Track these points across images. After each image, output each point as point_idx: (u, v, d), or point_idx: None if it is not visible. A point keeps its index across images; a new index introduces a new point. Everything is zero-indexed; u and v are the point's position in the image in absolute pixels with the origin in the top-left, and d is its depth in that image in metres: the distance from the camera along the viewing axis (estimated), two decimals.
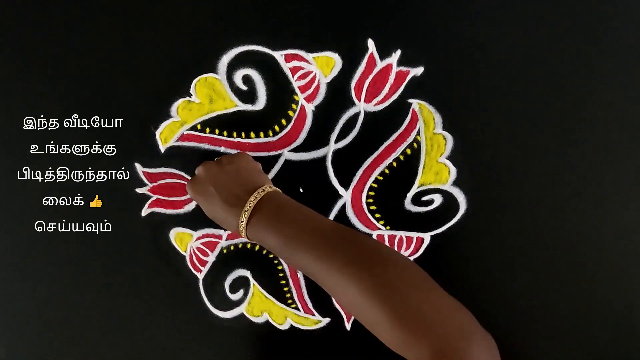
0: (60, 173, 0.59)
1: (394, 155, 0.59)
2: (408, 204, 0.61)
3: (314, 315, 0.63)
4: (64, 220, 0.60)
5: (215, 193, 0.50)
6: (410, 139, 0.59)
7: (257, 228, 0.48)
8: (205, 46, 0.56)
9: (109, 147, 0.59)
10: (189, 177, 0.59)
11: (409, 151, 0.59)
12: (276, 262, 0.62)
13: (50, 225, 0.61)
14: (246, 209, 0.47)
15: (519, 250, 0.62)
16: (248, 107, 0.58)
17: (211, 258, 0.62)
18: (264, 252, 0.62)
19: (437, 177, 0.60)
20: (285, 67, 0.57)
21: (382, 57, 0.57)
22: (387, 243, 0.61)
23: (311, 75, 0.57)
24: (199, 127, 0.58)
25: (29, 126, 0.58)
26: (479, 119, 0.58)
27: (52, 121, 0.58)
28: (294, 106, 0.58)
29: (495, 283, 0.63)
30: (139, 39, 0.56)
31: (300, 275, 0.62)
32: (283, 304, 0.63)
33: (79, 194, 0.60)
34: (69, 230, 0.61)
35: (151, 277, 0.62)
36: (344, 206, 0.60)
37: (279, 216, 0.47)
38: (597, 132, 0.58)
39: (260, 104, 0.58)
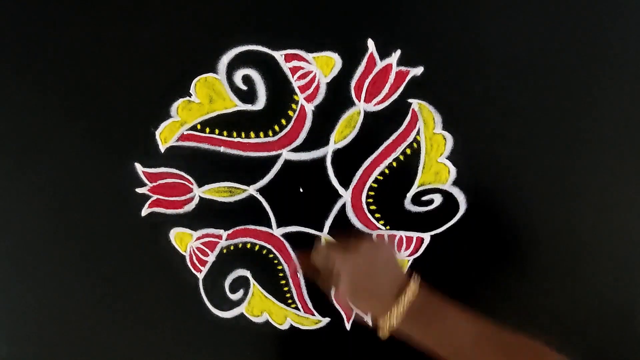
0: (61, 173, 0.59)
1: (393, 155, 0.59)
2: (408, 204, 0.61)
3: (313, 315, 0.63)
4: (64, 220, 0.61)
5: (373, 280, 0.52)
6: (410, 139, 0.59)
7: (408, 323, 0.49)
8: (205, 46, 0.56)
9: (109, 146, 0.59)
10: (189, 177, 0.59)
11: (408, 151, 0.59)
12: (276, 262, 0.62)
13: (51, 226, 0.61)
14: (395, 315, 0.49)
15: (519, 250, 0.62)
16: (248, 107, 0.58)
17: (211, 258, 0.62)
18: (264, 252, 0.62)
19: (436, 177, 0.60)
20: (285, 67, 0.57)
21: (382, 57, 0.56)
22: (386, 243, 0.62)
23: (311, 75, 0.57)
24: (198, 127, 0.58)
25: (29, 126, 0.58)
26: (479, 119, 0.58)
27: (52, 121, 0.58)
28: (293, 106, 0.58)
29: (494, 283, 0.63)
30: (139, 39, 0.56)
31: (300, 275, 0.62)
32: (283, 303, 0.63)
33: (79, 194, 0.60)
34: (68, 230, 0.61)
35: (151, 277, 0.62)
36: (343, 206, 0.60)
37: (426, 324, 0.49)
38: (597, 132, 0.58)
39: (260, 103, 0.58)
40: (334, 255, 0.54)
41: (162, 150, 0.59)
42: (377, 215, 0.61)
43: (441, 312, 0.49)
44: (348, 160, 0.59)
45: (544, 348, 0.48)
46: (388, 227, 0.61)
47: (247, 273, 0.63)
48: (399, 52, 0.56)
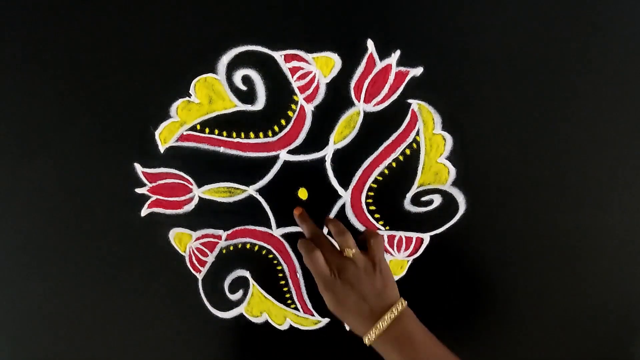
0: (60, 173, 0.59)
1: (393, 156, 0.59)
2: (407, 204, 0.61)
3: (313, 315, 0.63)
4: (64, 220, 0.60)
5: (350, 298, 0.52)
6: (409, 140, 0.59)
7: (382, 345, 0.50)
8: (205, 46, 0.56)
9: (109, 147, 0.59)
10: (188, 178, 0.59)
11: (408, 151, 0.59)
12: (275, 262, 0.62)
13: (50, 226, 0.61)
14: (378, 327, 0.50)
15: (519, 250, 0.62)
16: (247, 107, 0.58)
17: (210, 258, 0.62)
18: (264, 252, 0.62)
19: (436, 177, 0.60)
20: (285, 67, 0.57)
21: (381, 58, 0.56)
22: (386, 243, 0.61)
23: (311, 76, 0.57)
24: (198, 127, 0.58)
25: (29, 126, 0.58)
26: (479, 119, 0.58)
27: (52, 121, 0.58)
28: (293, 106, 0.58)
29: (494, 283, 0.63)
30: (138, 39, 0.56)
31: (299, 275, 0.62)
32: (282, 304, 0.63)
33: (78, 194, 0.60)
34: (68, 230, 0.61)
35: (150, 278, 0.62)
36: (343, 206, 0.60)
37: (404, 343, 0.50)
38: (597, 132, 0.58)
39: (260, 104, 0.58)
40: (330, 257, 0.54)
41: (162, 151, 0.59)
42: (377, 215, 0.61)
43: (416, 341, 0.50)
44: (348, 161, 0.59)
45: None
46: (388, 228, 0.61)
47: (246, 273, 0.63)
48: (398, 52, 0.56)
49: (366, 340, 0.51)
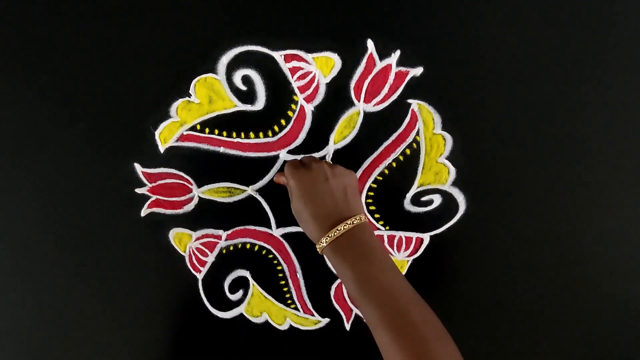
0: (60, 173, 0.59)
1: (393, 156, 0.59)
2: (407, 204, 0.61)
3: (313, 315, 0.63)
4: (63, 221, 0.60)
5: (313, 199, 0.50)
6: (409, 140, 0.59)
7: (334, 254, 0.48)
8: (205, 46, 0.56)
9: (109, 147, 0.59)
10: (188, 178, 0.59)
11: (408, 151, 0.59)
12: (275, 262, 0.62)
13: (50, 226, 0.61)
14: (331, 234, 0.48)
15: (519, 250, 0.62)
16: (247, 107, 0.58)
17: (210, 258, 0.62)
18: (264, 252, 0.62)
19: (436, 177, 0.60)
20: (285, 67, 0.57)
21: (381, 58, 0.56)
22: (386, 243, 0.61)
23: (311, 76, 0.57)
24: (198, 127, 0.58)
25: (29, 126, 0.58)
26: (479, 119, 0.58)
27: (52, 121, 0.58)
28: (293, 106, 0.58)
29: (494, 283, 0.63)
30: (138, 39, 0.56)
31: (299, 275, 0.62)
32: (282, 304, 0.63)
33: (78, 194, 0.60)
34: (68, 230, 0.61)
35: (150, 278, 0.62)
36: None
37: (357, 254, 0.48)
38: (597, 132, 0.58)
39: (260, 104, 0.58)
40: (288, 170, 0.53)
41: (162, 151, 0.59)
42: (377, 215, 0.61)
43: (370, 255, 0.47)
44: (348, 161, 0.59)
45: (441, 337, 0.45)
46: (388, 228, 0.61)
47: (246, 273, 0.63)
48: (398, 52, 0.56)
49: (318, 248, 0.49)
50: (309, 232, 0.51)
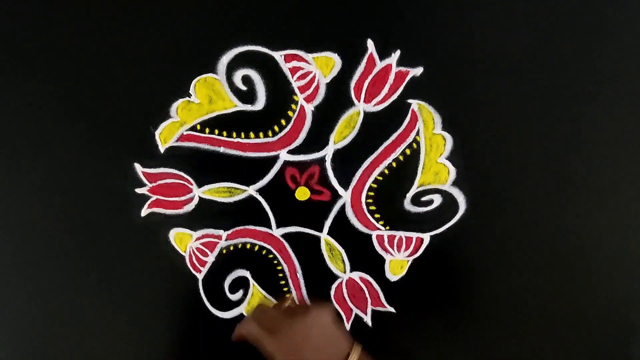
0: (60, 173, 0.59)
1: (393, 156, 0.59)
2: (407, 204, 0.61)
3: None
4: (63, 221, 0.60)
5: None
6: (409, 140, 0.59)
7: None
8: (205, 46, 0.56)
9: (109, 147, 0.59)
10: (189, 178, 0.59)
11: (408, 151, 0.59)
12: (275, 262, 0.62)
13: (50, 226, 0.61)
14: None
15: (518, 250, 0.62)
16: (247, 107, 0.58)
17: (210, 258, 0.62)
18: (264, 252, 0.62)
19: (436, 177, 0.60)
20: (285, 67, 0.57)
21: (381, 58, 0.56)
22: (386, 243, 0.61)
23: (311, 76, 0.57)
24: (198, 127, 0.58)
25: (29, 125, 0.58)
26: (479, 119, 0.58)
27: (52, 121, 0.58)
28: (293, 106, 0.58)
29: (494, 283, 0.63)
30: (138, 39, 0.56)
31: (299, 275, 0.62)
32: None
33: (78, 194, 0.60)
34: (68, 230, 0.61)
35: (151, 278, 0.62)
36: (343, 206, 0.60)
37: None
38: (597, 132, 0.58)
39: (260, 104, 0.58)
40: (266, 322, 0.54)
41: (162, 151, 0.59)
42: (377, 215, 0.61)
43: None
44: (348, 161, 0.59)
45: None
46: (388, 228, 0.61)
47: (246, 273, 0.63)
48: (398, 52, 0.56)
49: None
50: None
